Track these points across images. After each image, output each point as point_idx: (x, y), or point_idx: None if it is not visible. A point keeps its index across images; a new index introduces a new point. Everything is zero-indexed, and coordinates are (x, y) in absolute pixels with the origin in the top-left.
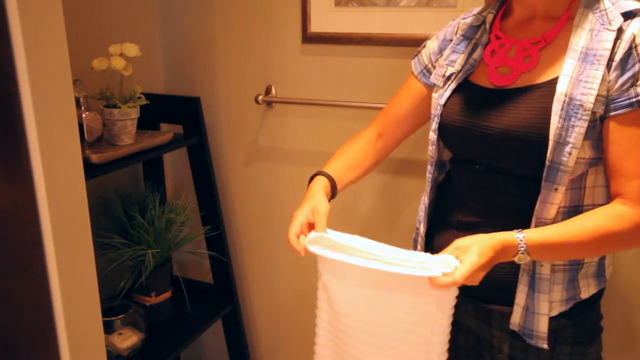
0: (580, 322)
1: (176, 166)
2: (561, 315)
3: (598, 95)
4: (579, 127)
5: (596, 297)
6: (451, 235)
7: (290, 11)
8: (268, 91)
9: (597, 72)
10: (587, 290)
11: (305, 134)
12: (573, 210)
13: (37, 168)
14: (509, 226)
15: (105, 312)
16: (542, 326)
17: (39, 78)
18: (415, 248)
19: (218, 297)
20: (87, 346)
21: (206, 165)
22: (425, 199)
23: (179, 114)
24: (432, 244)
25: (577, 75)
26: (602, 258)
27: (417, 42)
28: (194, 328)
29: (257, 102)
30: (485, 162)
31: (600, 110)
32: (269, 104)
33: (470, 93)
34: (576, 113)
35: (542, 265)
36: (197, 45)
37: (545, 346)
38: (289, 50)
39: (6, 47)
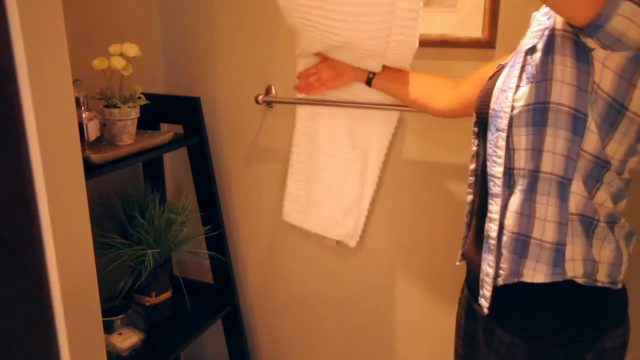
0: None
1: (176, 166)
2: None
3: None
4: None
5: (549, 290)
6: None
7: None
8: (268, 91)
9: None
10: (531, 275)
11: None
12: (532, 175)
13: (37, 168)
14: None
15: (105, 312)
16: (486, 289)
17: (39, 78)
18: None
19: (218, 297)
20: (87, 346)
21: (206, 165)
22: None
23: (179, 114)
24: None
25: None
26: (560, 245)
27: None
28: (194, 328)
29: (257, 102)
30: None
31: None
32: (269, 104)
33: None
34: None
35: (490, 228)
36: (197, 45)
37: (484, 311)
38: (289, 50)
39: (6, 47)
